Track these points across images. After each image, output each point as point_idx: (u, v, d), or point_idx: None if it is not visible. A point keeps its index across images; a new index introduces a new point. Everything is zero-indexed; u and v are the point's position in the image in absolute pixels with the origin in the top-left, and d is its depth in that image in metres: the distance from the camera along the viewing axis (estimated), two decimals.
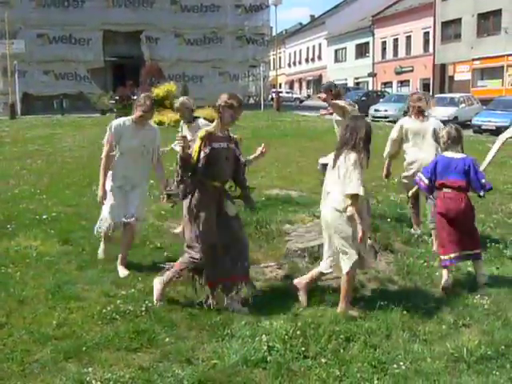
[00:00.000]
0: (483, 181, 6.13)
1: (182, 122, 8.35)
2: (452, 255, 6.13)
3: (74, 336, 4.76)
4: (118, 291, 5.74)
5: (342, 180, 5.27)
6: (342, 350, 4.56)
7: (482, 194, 6.22)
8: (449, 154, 6.26)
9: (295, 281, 5.80)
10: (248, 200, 5.83)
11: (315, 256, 6.57)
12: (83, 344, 4.60)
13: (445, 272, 6.14)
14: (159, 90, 30.65)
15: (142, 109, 6.29)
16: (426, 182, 6.34)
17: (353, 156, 5.27)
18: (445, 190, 6.20)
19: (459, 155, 6.23)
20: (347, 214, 5.21)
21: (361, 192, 5.16)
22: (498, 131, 25.78)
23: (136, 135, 6.38)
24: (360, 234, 5.17)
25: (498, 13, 42.15)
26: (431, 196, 6.91)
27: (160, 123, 21.25)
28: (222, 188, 5.57)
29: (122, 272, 6.33)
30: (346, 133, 5.44)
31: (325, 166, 6.13)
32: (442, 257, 6.18)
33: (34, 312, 5.23)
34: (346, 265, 5.36)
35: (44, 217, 8.63)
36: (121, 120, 6.49)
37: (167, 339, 4.73)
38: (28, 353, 4.48)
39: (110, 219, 6.45)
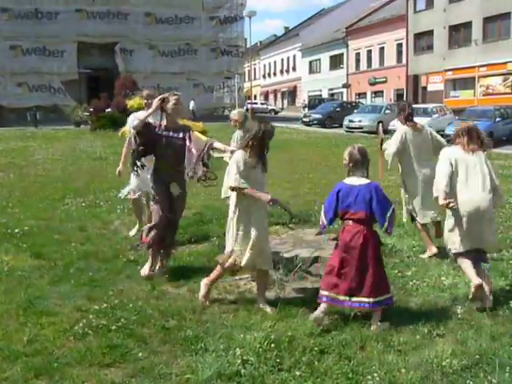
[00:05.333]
0: (388, 214, 5.22)
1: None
2: (332, 294, 5.30)
3: (45, 352, 4.66)
4: (91, 306, 5.66)
5: None
6: (316, 363, 4.53)
7: (387, 230, 5.28)
8: (350, 180, 5.39)
9: None
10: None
11: (289, 268, 6.54)
12: (54, 360, 4.51)
13: (321, 307, 5.33)
14: (133, 102, 30.60)
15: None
16: (325, 222, 5.43)
17: None
18: (346, 221, 5.36)
19: (361, 181, 5.33)
20: None
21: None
22: None
23: None
24: None
25: (468, 25, 42.92)
26: None
27: None
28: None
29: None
30: None
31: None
32: (321, 291, 5.37)
33: (5, 328, 5.14)
34: None
35: (16, 231, 8.51)
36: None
37: (140, 354, 4.65)
38: None
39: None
